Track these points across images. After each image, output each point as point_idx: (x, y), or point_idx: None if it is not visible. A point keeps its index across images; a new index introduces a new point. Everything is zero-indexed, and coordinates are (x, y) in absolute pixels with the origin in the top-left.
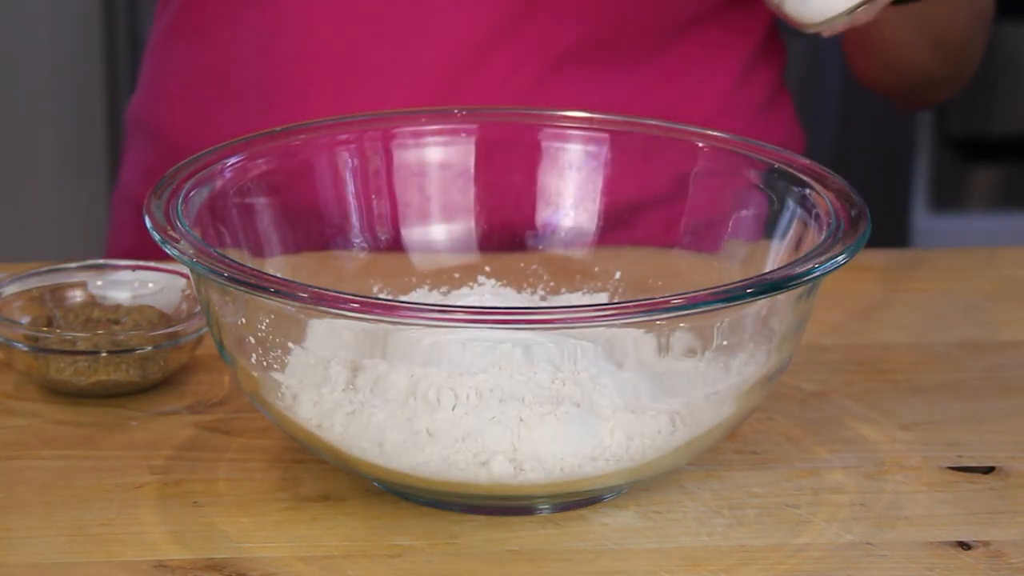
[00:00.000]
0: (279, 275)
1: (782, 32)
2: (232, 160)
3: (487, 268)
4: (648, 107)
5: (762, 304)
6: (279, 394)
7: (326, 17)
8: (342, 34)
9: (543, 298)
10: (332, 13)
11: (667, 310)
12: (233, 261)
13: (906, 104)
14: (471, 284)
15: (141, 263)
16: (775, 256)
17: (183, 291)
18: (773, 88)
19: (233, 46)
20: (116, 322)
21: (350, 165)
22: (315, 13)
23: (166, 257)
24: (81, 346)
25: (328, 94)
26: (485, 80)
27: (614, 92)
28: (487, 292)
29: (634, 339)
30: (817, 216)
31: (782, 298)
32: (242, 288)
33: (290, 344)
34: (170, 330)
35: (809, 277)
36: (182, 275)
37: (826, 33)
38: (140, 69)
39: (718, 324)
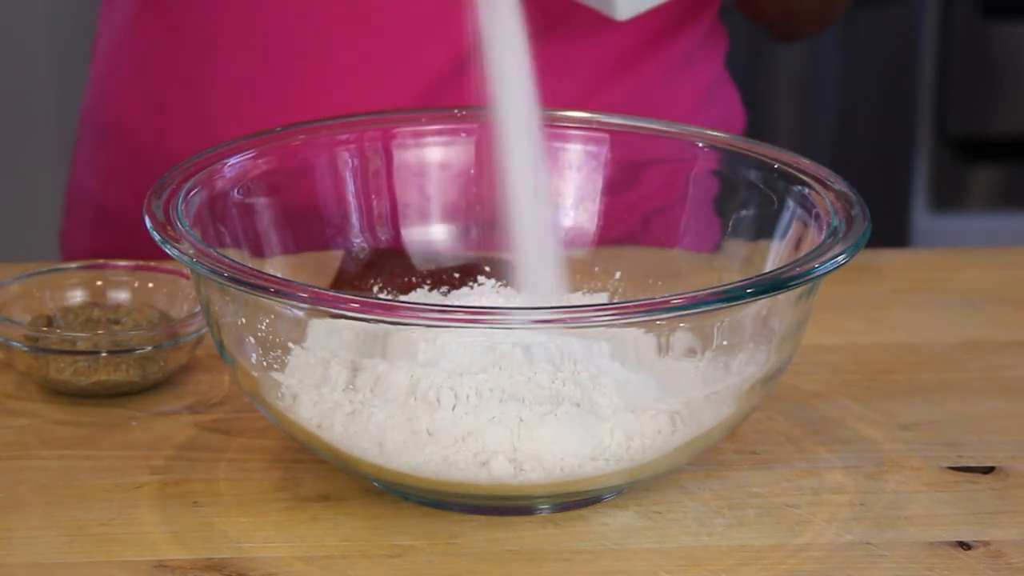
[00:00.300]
0: (279, 275)
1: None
2: (232, 160)
3: (487, 268)
4: (610, 100)
5: (762, 304)
6: (279, 394)
7: (302, 19)
8: (317, 36)
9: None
10: (308, 14)
11: (667, 310)
12: (233, 261)
13: (780, 35)
14: (471, 284)
15: (141, 263)
16: (775, 256)
17: (183, 291)
18: (717, 72)
19: (205, 46)
20: (116, 322)
21: (350, 165)
22: (290, 15)
23: (124, 258)
24: (81, 346)
25: (302, 96)
26: (466, 86)
27: (567, 87)
28: (487, 292)
29: (634, 339)
30: (817, 216)
31: (782, 298)
32: (242, 288)
33: (290, 344)
34: (170, 330)
35: (809, 277)
36: (182, 275)
37: None
38: (91, 62)
39: (718, 324)
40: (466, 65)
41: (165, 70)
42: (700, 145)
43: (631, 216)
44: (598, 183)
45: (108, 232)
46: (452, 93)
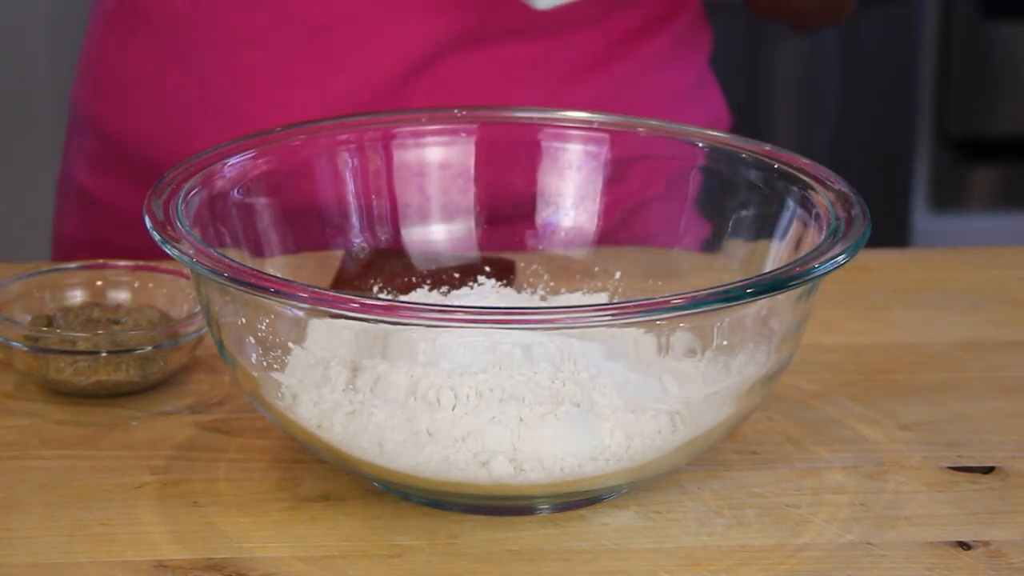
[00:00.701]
0: (279, 275)
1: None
2: (232, 160)
3: (487, 268)
4: (587, 94)
5: (762, 304)
6: (279, 394)
7: (264, 14)
8: (278, 30)
9: (543, 298)
10: (269, 10)
11: (667, 310)
12: (233, 261)
13: (798, 29)
14: (471, 284)
15: (141, 263)
16: (775, 256)
17: (183, 291)
18: (700, 72)
19: (171, 41)
20: (116, 322)
21: (350, 165)
22: (250, 11)
23: (106, 250)
24: (81, 346)
25: (267, 92)
26: (430, 83)
27: (536, 88)
28: (487, 292)
29: (634, 339)
30: (817, 216)
31: (782, 298)
32: (242, 288)
33: (290, 344)
34: (170, 330)
35: (809, 277)
36: (182, 275)
37: None
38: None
39: (718, 324)
40: (417, 70)
41: (138, 62)
42: (700, 145)
43: (631, 216)
44: (598, 183)
45: (92, 218)
46: (402, 97)
